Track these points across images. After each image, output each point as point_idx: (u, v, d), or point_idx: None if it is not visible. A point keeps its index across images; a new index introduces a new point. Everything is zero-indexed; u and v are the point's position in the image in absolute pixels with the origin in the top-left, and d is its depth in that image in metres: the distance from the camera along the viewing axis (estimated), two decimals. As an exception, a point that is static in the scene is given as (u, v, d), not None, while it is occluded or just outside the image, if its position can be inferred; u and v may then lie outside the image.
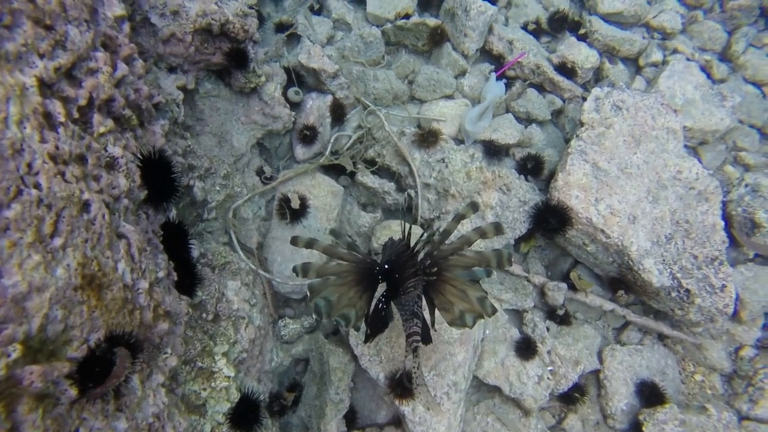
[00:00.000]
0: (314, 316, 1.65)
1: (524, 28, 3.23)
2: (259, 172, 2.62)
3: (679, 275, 2.23)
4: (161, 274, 1.42)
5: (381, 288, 1.66)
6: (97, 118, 1.20)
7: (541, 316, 2.47)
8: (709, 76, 3.11)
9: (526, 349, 2.27)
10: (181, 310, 1.57)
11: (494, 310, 1.53)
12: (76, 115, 1.13)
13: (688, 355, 2.49)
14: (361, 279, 1.61)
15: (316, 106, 2.73)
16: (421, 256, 1.66)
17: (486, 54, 3.10)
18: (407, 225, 1.75)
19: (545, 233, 2.39)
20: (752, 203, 2.57)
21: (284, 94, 2.65)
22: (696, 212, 2.33)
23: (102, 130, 1.21)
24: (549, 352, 2.32)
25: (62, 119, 1.04)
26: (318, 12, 3.17)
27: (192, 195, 2.15)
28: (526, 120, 2.92)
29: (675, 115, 2.55)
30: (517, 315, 2.47)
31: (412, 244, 1.67)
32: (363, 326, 1.63)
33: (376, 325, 1.65)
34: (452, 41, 3.03)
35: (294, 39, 2.93)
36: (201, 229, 2.31)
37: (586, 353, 2.34)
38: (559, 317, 2.45)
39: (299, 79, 2.80)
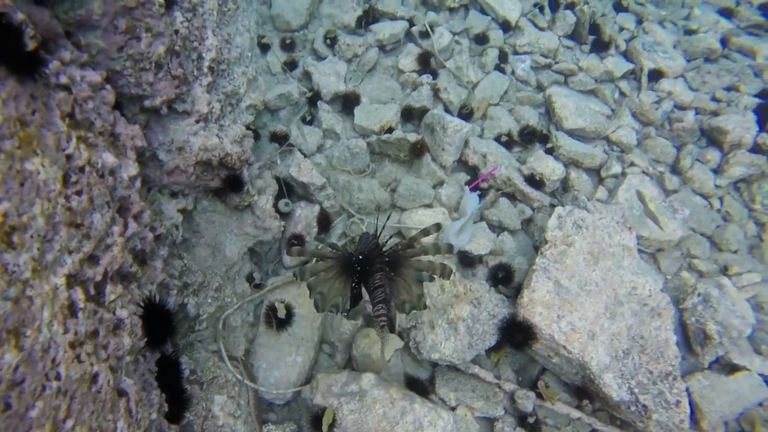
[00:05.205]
0: (314, 308, 2.05)
1: (497, 139, 3.57)
2: (249, 278, 2.81)
3: (636, 390, 2.39)
4: (154, 416, 1.56)
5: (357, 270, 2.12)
6: (109, 288, 1.39)
7: (512, 424, 2.59)
8: (662, 186, 3.45)
9: (496, 461, 2.38)
10: (170, 443, 1.70)
11: (425, 306, 2.03)
12: (92, 292, 1.32)
13: (653, 463, 2.60)
14: (343, 270, 2.10)
15: (305, 215, 2.98)
16: (386, 251, 2.15)
17: (462, 164, 3.41)
18: (380, 224, 2.40)
19: (512, 346, 2.57)
20: (704, 314, 2.79)
21: (275, 204, 2.89)
22: (650, 328, 2.54)
23: (113, 297, 1.40)
24: (519, 463, 2.43)
25: (82, 305, 1.24)
26: (310, 122, 3.51)
27: (185, 312, 2.32)
28: (499, 228, 3.18)
29: (629, 232, 2.82)
30: (489, 423, 2.59)
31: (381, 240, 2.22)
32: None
33: (353, 301, 2.12)
34: (431, 153, 3.34)
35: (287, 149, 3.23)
36: (192, 339, 2.46)
37: (555, 463, 2.45)
38: (530, 425, 2.57)
39: (289, 188, 3.07)
